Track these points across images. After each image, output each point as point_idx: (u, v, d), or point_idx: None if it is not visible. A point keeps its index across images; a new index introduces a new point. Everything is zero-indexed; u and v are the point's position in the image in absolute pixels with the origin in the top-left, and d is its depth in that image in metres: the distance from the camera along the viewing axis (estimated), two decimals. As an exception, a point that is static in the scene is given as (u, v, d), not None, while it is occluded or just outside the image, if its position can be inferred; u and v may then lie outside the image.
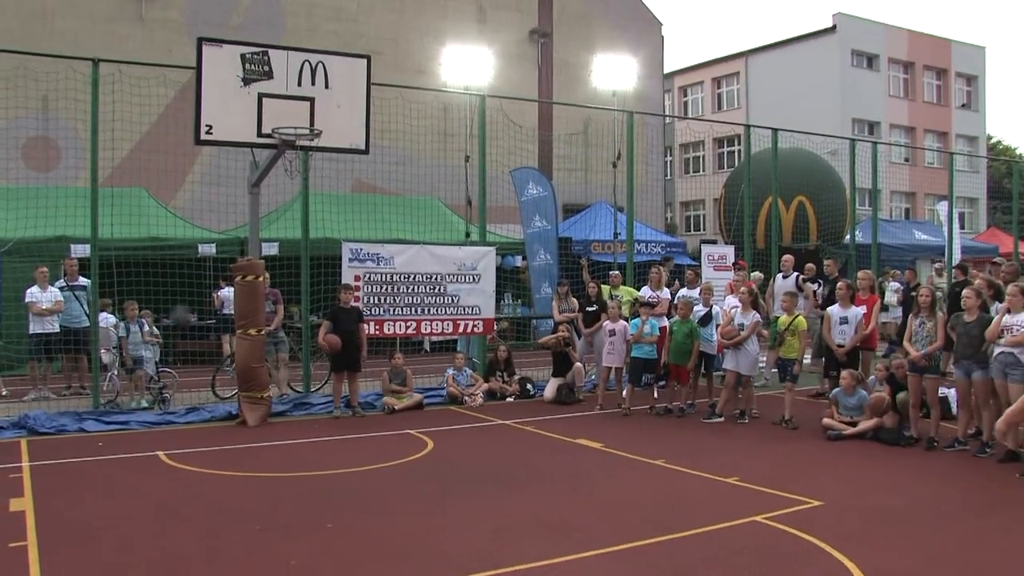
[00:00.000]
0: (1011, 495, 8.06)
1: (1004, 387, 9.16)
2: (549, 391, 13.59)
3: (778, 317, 12.15)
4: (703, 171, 48.12)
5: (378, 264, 13.38)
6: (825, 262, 14.32)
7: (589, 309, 13.95)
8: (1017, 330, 9.02)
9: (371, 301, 13.28)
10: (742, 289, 12.38)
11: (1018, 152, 54.80)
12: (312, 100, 11.45)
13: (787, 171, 20.64)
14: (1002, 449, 9.35)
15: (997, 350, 9.20)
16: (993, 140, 53.56)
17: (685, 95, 51.86)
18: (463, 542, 6.45)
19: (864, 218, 23.38)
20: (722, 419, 11.82)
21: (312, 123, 11.33)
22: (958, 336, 9.82)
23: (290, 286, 14.01)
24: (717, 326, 12.23)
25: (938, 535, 6.75)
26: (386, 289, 13.44)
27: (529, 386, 14.12)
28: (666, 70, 38.16)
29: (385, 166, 16.47)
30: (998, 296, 10.01)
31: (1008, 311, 9.25)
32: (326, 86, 11.57)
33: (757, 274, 15.95)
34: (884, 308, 12.34)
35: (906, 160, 43.68)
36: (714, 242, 22.15)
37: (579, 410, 12.81)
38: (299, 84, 11.44)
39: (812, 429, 10.97)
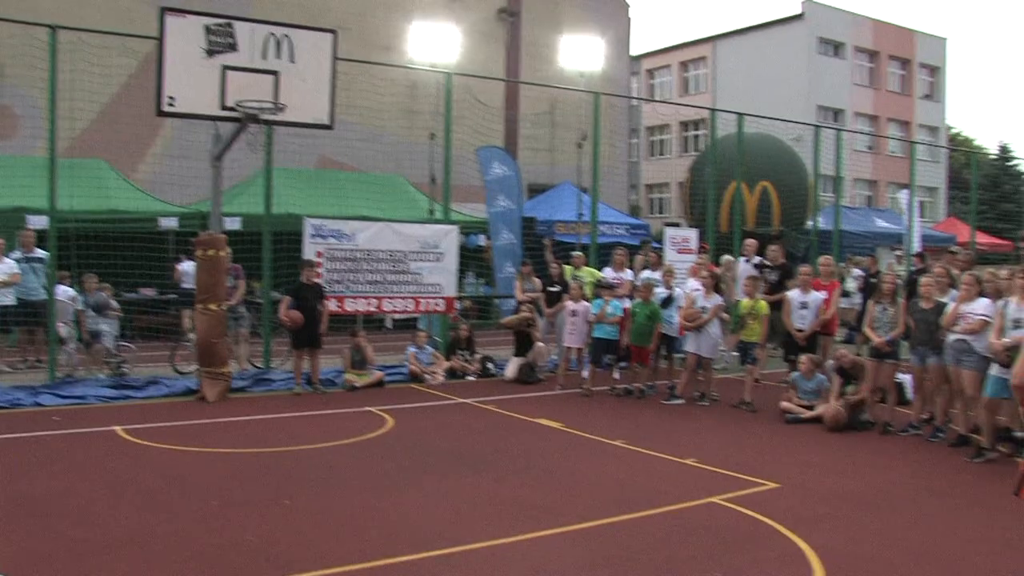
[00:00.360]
0: (962, 479, 8.22)
1: (957, 373, 9.33)
2: (510, 370, 13.62)
3: (740, 301, 12.26)
4: (668, 154, 48.29)
5: (340, 241, 13.30)
6: (769, 248, 14.41)
7: (552, 289, 13.98)
8: (971, 318, 9.17)
9: (333, 278, 13.19)
10: (704, 272, 12.47)
11: (976, 143, 55.55)
12: (277, 74, 11.30)
13: (752, 156, 20.73)
14: (954, 434, 9.53)
15: (951, 337, 9.35)
16: (953, 131, 54.23)
17: (652, 78, 51.94)
18: (422, 520, 6.46)
19: (827, 204, 23.59)
20: (682, 401, 11.93)
21: (276, 97, 11.19)
22: (915, 323, 9.98)
23: (252, 261, 13.89)
24: (679, 308, 12.31)
25: (892, 518, 6.87)
26: (348, 266, 13.36)
27: (490, 365, 14.14)
28: (634, 53, 38.17)
29: (350, 142, 16.37)
30: (954, 284, 10.16)
31: (963, 300, 9.40)
32: (291, 60, 11.43)
33: (727, 257, 16.05)
34: (845, 294, 12.46)
35: (869, 148, 44.14)
36: (678, 225, 22.20)
37: (540, 390, 12.85)
38: (264, 57, 11.28)
39: (771, 412, 11.09)
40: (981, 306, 9.16)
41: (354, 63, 14.26)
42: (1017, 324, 8.57)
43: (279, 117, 11.25)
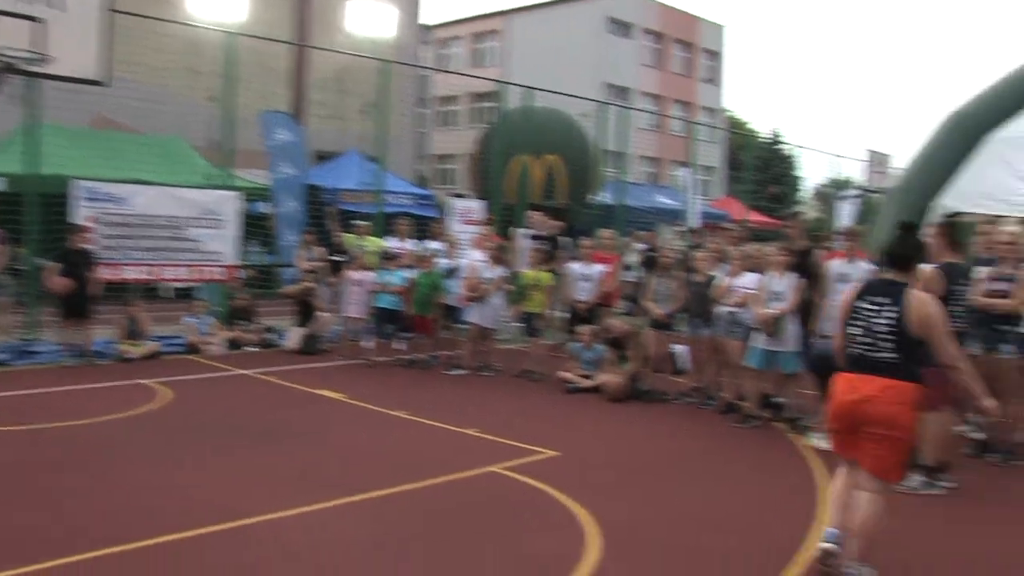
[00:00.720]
0: (731, 443, 8.89)
1: (726, 344, 10.07)
2: (292, 341, 13.48)
3: (523, 272, 12.68)
4: (458, 126, 48.70)
5: (115, 205, 12.73)
6: (537, 217, 14.93)
7: (335, 258, 13.93)
8: (740, 292, 9.94)
9: (107, 244, 12.59)
10: (488, 243, 12.81)
11: (750, 127, 59.56)
12: (40, 20, 10.48)
13: (540, 130, 21.36)
14: (723, 401, 10.31)
15: (722, 309, 10.08)
16: (730, 114, 57.82)
17: (444, 48, 52.15)
18: (203, 495, 6.36)
19: (612, 180, 24.61)
20: (465, 372, 12.23)
21: (41, 46, 10.41)
22: (691, 295, 10.71)
23: (17, 225, 12.96)
24: (463, 279, 12.60)
25: (668, 482, 7.37)
26: (123, 232, 12.80)
27: (272, 335, 13.95)
28: (426, 22, 38.14)
29: (128, 101, 15.53)
30: (726, 259, 10.96)
31: (733, 274, 10.18)
32: (60, 8, 10.64)
33: (518, 231, 16.46)
34: (626, 267, 13.15)
35: (653, 127, 46.30)
36: (463, 196, 22.51)
37: (322, 361, 12.80)
38: (28, 1, 10.47)
39: (553, 383, 11.55)
40: (749, 280, 9.92)
41: (132, 16, 13.53)
42: (777, 297, 9.41)
43: (43, 69, 10.51)
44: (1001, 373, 8.01)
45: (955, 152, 11.61)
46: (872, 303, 5.12)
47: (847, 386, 5.11)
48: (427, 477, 7.03)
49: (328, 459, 7.56)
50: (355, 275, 12.82)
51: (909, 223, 5.51)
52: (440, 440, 8.47)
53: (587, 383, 11.19)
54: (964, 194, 11.15)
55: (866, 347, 5.08)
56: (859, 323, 5.15)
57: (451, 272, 12.79)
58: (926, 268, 6.85)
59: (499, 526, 6.03)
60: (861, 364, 5.09)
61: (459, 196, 21.12)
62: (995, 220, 9.32)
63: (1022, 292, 8.07)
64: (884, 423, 4.95)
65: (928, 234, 7.40)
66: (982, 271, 8.28)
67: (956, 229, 7.78)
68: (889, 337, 5.00)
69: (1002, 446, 8.38)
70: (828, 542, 5.12)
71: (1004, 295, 8.09)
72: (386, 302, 12.50)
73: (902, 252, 5.27)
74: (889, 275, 5.27)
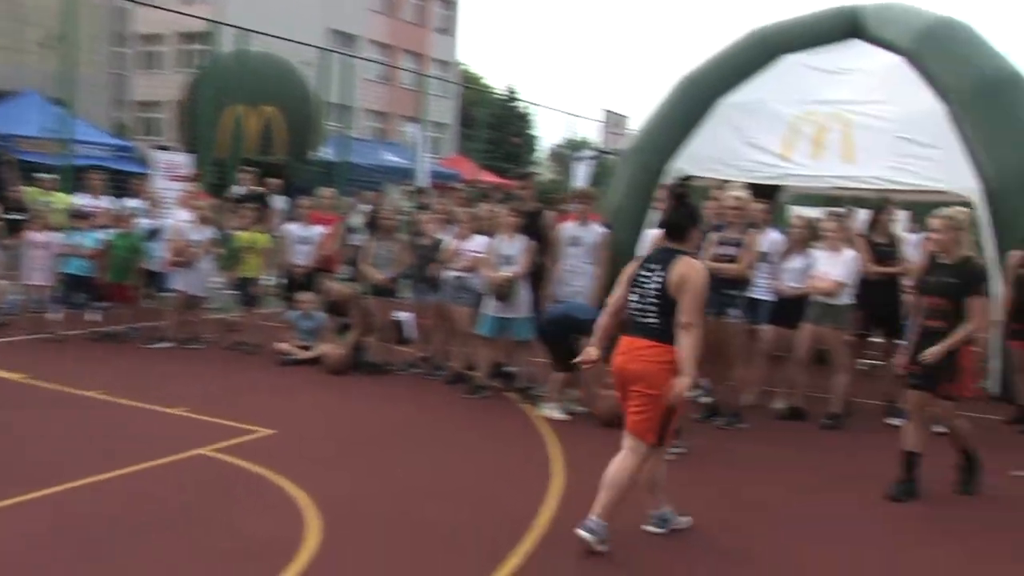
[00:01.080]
0: (458, 414, 9.00)
1: (454, 310, 10.14)
2: (-40, 314, 12.31)
3: (235, 233, 12.25)
4: (164, 69, 46.22)
5: None
6: (243, 175, 14.60)
7: (12, 217, 12.82)
8: (468, 255, 10.04)
9: None
10: (196, 202, 12.27)
11: (484, 82, 60.68)
12: None
13: (256, 78, 20.68)
14: (452, 371, 10.42)
15: (449, 274, 10.14)
16: (463, 67, 58.65)
17: (147, -22, 49.16)
18: None
19: (335, 135, 24.32)
20: (171, 344, 11.67)
21: None
22: (416, 259, 10.71)
23: None
24: (167, 241, 11.97)
25: (393, 456, 7.36)
26: None
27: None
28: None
29: None
30: (454, 221, 11.03)
31: (460, 236, 10.25)
32: None
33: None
34: (350, 230, 12.99)
35: (381, 79, 46.11)
36: (169, 149, 21.47)
37: (-1, 336, 11.80)
38: None
39: (268, 355, 11.26)
40: (478, 243, 10.04)
41: None
42: (508, 260, 9.56)
43: None
44: (728, 338, 8.59)
45: (687, 115, 12.23)
46: (647, 270, 5.54)
47: (621, 348, 5.57)
48: (127, 464, 6.62)
49: (6, 450, 6.94)
50: (38, 236, 11.83)
51: (681, 191, 5.89)
52: (142, 422, 8.04)
53: (306, 354, 11.00)
54: (696, 158, 11.77)
55: (638, 311, 5.51)
56: (636, 289, 5.56)
57: (153, 233, 12.15)
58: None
59: (208, 514, 5.79)
60: (633, 328, 5.53)
61: (164, 148, 20.16)
62: (724, 185, 9.94)
63: (748, 256, 8.63)
64: (642, 381, 5.39)
65: (660, 197, 7.73)
66: (712, 236, 8.80)
67: (688, 193, 8.09)
68: (655, 301, 5.43)
69: (728, 410, 8.97)
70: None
71: (732, 260, 8.59)
72: (76, 267, 11.68)
73: (676, 221, 5.69)
74: (666, 244, 5.69)
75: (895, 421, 8.49)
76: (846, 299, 9.12)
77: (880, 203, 10.20)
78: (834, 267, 9.11)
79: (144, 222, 12.24)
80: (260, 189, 14.85)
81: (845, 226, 9.77)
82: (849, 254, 9.24)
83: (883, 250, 9.60)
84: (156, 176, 15.76)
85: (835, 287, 9.00)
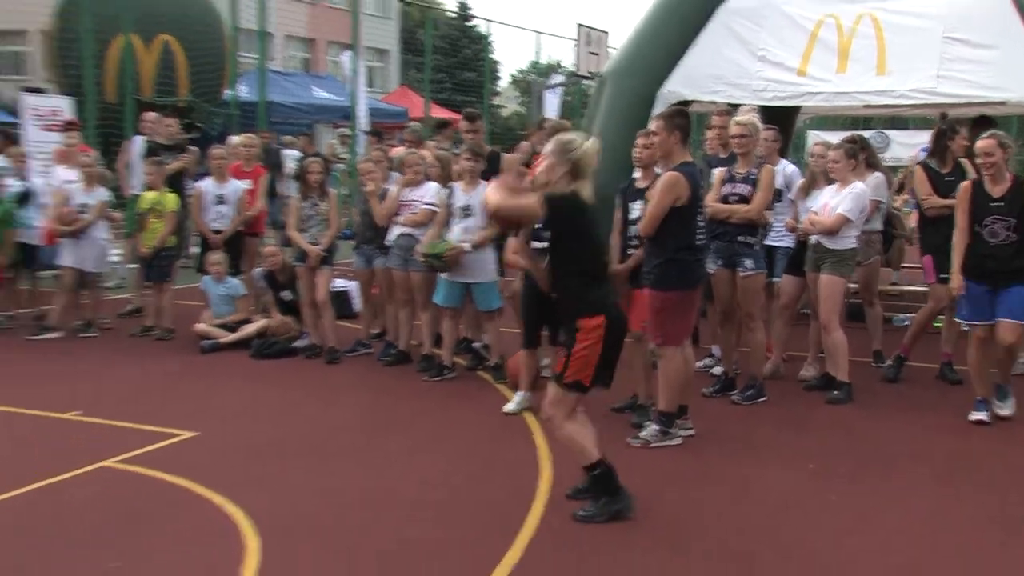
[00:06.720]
0: (422, 405, 9.00)
1: (405, 277, 10.09)
2: None
3: (138, 195, 12.22)
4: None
5: None
6: (163, 122, 14.50)
7: None
8: (417, 207, 9.99)
9: None
10: (80, 157, 12.20)
11: (431, -3, 60.30)
12: None
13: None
14: (417, 354, 10.38)
15: (395, 231, 10.08)
16: (404, -21, 58.15)
17: None
18: None
19: (250, 69, 24.12)
20: (60, 333, 11.67)
21: None
22: (360, 216, 10.69)
23: None
24: (44, 207, 11.92)
25: (340, 463, 7.33)
26: None
27: None
28: None
29: None
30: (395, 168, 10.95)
31: (407, 184, 10.15)
32: None
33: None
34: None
35: (305, -2, 45.69)
36: (42, 91, 21.23)
37: None
38: None
39: (188, 340, 11.29)
40: (429, 192, 10.03)
41: None
42: (467, 212, 9.50)
43: None
44: (743, 295, 8.69)
45: (681, 27, 11.90)
46: None
47: None
48: (10, 487, 6.57)
49: None
50: None
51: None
52: (28, 432, 8.06)
53: (231, 337, 11.08)
54: (693, 78, 11.52)
55: None
56: None
57: (25, 198, 12.07)
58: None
59: (118, 540, 5.79)
60: None
61: (34, 91, 19.89)
62: (731, 110, 9.89)
63: (763, 195, 8.59)
64: None
65: (656, 128, 7.69)
66: (716, 172, 8.82)
67: (689, 121, 7.93)
68: None
69: (748, 382, 8.99)
70: None
71: (744, 200, 8.59)
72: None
73: None
74: None
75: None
76: (851, 242, 9.09)
77: (947, 125, 9.84)
78: (840, 201, 8.99)
79: (12, 183, 12.15)
80: (183, 136, 14.70)
81: (852, 154, 9.30)
82: (858, 186, 9.16)
83: (949, 182, 9.26)
84: (26, 125, 15.67)
85: (837, 222, 8.91)
